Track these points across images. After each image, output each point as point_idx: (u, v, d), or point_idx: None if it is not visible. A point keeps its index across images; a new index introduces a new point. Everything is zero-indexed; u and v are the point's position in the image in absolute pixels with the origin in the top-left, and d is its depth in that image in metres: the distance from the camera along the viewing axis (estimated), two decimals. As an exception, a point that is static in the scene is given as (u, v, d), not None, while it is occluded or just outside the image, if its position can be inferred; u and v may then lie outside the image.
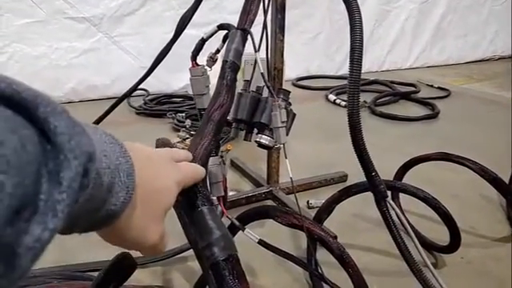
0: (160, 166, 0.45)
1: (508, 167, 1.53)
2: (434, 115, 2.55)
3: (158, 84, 2.73)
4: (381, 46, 3.84)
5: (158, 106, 2.53)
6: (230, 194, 1.54)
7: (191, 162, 0.62)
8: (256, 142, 1.02)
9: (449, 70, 4.15)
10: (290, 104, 1.09)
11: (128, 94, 1.48)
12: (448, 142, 2.17)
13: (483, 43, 4.46)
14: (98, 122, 1.50)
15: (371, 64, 3.79)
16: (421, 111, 2.70)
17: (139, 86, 2.74)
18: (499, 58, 4.63)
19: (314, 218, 1.13)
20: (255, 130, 1.04)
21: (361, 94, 0.88)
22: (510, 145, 2.07)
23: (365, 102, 2.67)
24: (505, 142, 2.17)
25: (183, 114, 2.27)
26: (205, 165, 0.69)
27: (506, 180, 1.45)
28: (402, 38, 3.94)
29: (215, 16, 2.90)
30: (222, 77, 0.75)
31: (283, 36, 1.30)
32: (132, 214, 0.38)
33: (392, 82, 3.30)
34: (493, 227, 1.39)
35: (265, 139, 0.99)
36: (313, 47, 3.52)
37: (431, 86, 3.33)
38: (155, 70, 1.34)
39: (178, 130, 2.12)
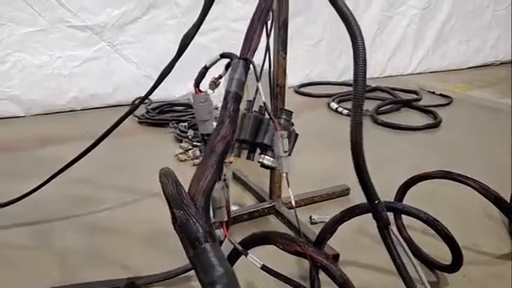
0: None
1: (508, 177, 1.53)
2: (435, 124, 2.55)
3: (160, 92, 2.72)
4: (383, 51, 3.84)
5: (161, 116, 2.53)
6: (233, 208, 1.54)
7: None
8: (259, 162, 1.03)
9: (451, 75, 4.14)
10: (292, 124, 1.10)
11: (133, 110, 1.48)
12: (450, 153, 2.17)
13: (485, 48, 4.46)
14: (107, 134, 1.49)
15: (373, 70, 3.79)
16: (423, 120, 2.70)
17: (142, 95, 2.74)
18: (501, 63, 4.62)
19: (316, 239, 1.13)
20: (258, 150, 1.06)
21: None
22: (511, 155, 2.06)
23: (367, 110, 2.66)
24: (507, 152, 2.17)
25: (186, 124, 2.27)
26: (208, 197, 0.69)
27: (508, 194, 1.45)
28: (404, 44, 3.93)
29: (218, 23, 2.91)
30: (224, 107, 0.76)
31: (285, 53, 1.30)
32: None
33: (394, 89, 3.30)
34: (495, 244, 1.39)
35: (267, 160, 1.00)
36: (315, 54, 3.52)
37: (433, 92, 3.33)
38: (157, 77, 1.34)
39: (181, 141, 2.13)
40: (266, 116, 1.04)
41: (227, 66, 0.85)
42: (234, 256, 0.94)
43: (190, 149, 2.02)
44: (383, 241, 0.84)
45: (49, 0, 2.42)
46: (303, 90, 3.38)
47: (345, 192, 1.66)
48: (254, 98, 1.09)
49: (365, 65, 0.75)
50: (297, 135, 1.11)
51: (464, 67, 4.36)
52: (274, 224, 1.47)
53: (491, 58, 4.53)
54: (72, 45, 2.56)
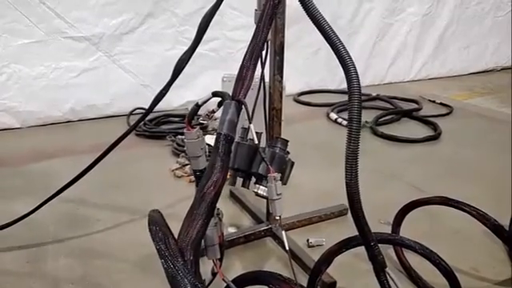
0: None
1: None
2: (435, 136, 2.52)
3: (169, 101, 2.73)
4: (383, 58, 3.81)
5: (158, 127, 2.51)
6: (230, 230, 1.52)
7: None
8: (254, 192, 1.01)
9: (451, 82, 4.11)
10: (288, 153, 1.08)
11: (132, 129, 1.46)
12: (450, 167, 2.14)
13: (486, 54, 4.43)
14: (114, 145, 1.46)
15: (373, 77, 3.77)
16: (423, 131, 2.67)
17: (140, 106, 2.70)
18: (502, 69, 4.59)
19: (312, 271, 1.11)
20: (253, 178, 1.04)
21: (362, 111, 0.85)
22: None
23: (366, 122, 2.64)
24: (507, 167, 2.14)
25: (183, 137, 2.24)
26: (198, 248, 0.67)
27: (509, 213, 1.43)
28: (404, 51, 3.90)
29: (216, 33, 2.88)
30: (215, 150, 0.73)
31: (281, 77, 1.28)
32: None
33: (394, 98, 3.27)
34: (495, 268, 1.37)
35: (262, 190, 0.97)
36: (314, 61, 3.49)
37: (433, 101, 3.30)
38: (155, 87, 1.31)
39: (178, 155, 2.10)
40: (262, 144, 1.02)
41: (220, 104, 0.83)
42: (228, 293, 0.92)
43: (187, 164, 2.00)
44: (379, 283, 0.82)
45: (45, 11, 2.40)
46: (302, 98, 3.36)
47: (343, 212, 1.64)
48: (248, 127, 1.07)
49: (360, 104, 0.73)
50: (293, 164, 1.09)
51: (465, 73, 4.33)
52: (270, 248, 1.45)
53: (492, 64, 4.50)
54: (69, 56, 2.54)
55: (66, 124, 2.63)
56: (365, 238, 0.78)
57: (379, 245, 1.24)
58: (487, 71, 4.49)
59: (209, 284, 0.94)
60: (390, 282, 0.83)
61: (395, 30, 3.80)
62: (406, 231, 1.32)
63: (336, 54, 0.75)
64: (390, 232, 1.35)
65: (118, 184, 1.88)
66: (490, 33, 4.32)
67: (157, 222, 0.68)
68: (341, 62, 0.75)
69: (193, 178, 1.92)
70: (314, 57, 3.49)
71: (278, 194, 0.80)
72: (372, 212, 1.61)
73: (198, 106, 0.84)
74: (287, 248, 0.81)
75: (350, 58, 0.76)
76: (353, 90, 0.74)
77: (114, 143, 1.31)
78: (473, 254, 1.43)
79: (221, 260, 1.03)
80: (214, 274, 0.93)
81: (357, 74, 0.74)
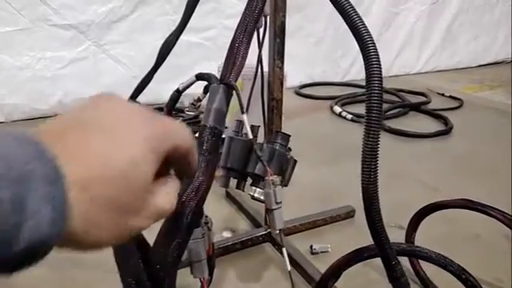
0: (116, 135, 0.28)
1: None
2: (447, 131, 2.37)
3: (148, 94, 2.55)
4: (388, 50, 3.64)
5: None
6: (225, 235, 1.38)
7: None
8: (250, 195, 0.86)
9: (460, 74, 3.95)
10: (289, 150, 0.93)
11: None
12: (463, 164, 1.99)
13: (495, 45, 4.25)
14: None
15: (378, 69, 3.60)
16: (433, 125, 2.52)
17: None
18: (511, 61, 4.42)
19: (317, 285, 0.96)
20: (249, 179, 0.89)
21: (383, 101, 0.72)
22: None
23: (372, 115, 2.48)
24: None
25: (176, 132, 2.10)
26: (173, 273, 0.52)
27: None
28: (411, 42, 3.74)
29: (212, 21, 2.72)
30: (199, 146, 0.58)
31: (282, 62, 1.12)
32: (82, 223, 0.26)
33: (401, 91, 3.11)
34: (521, 278, 1.22)
35: (259, 193, 0.83)
36: (316, 52, 3.32)
37: (442, 94, 3.14)
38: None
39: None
40: (259, 140, 0.87)
41: (205, 89, 0.67)
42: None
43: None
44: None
45: (29, -4, 2.24)
46: (304, 91, 3.20)
47: (350, 214, 1.49)
48: (243, 117, 0.92)
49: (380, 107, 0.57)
50: (295, 161, 0.94)
51: (474, 65, 4.16)
52: (269, 254, 1.30)
53: (502, 56, 4.32)
54: (55, 45, 2.38)
55: (54, 118, 2.48)
56: (385, 256, 0.63)
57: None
58: (497, 63, 4.32)
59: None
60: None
61: (401, 19, 3.63)
62: (420, 236, 1.18)
63: (353, 31, 0.59)
64: (403, 237, 1.20)
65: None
66: (500, 23, 4.15)
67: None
68: (358, 41, 0.59)
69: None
70: (317, 47, 3.32)
71: (277, 203, 0.65)
72: (382, 214, 1.49)
73: (178, 93, 0.69)
74: (288, 269, 0.66)
75: (369, 35, 0.61)
76: (372, 72, 0.58)
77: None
78: (495, 262, 1.28)
79: (211, 276, 0.89)
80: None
81: (377, 54, 0.59)
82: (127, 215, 0.28)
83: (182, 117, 2.31)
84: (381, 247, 0.62)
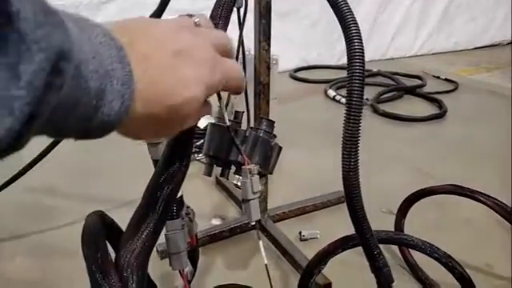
0: (185, 66, 0.34)
1: None
2: (441, 114, 2.34)
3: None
4: (384, 32, 3.58)
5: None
6: (214, 222, 1.36)
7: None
8: (234, 184, 0.84)
9: (456, 56, 3.90)
10: (274, 136, 0.90)
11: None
12: (457, 148, 1.98)
13: (492, 27, 4.19)
14: None
15: (374, 52, 3.54)
16: (427, 108, 2.49)
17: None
18: (510, 43, 4.36)
19: (304, 272, 0.95)
20: (233, 167, 0.87)
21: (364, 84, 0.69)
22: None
23: (367, 99, 2.45)
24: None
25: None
26: (143, 265, 0.50)
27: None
28: (407, 24, 3.67)
29: (201, 4, 2.65)
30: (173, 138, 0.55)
31: (269, 44, 1.09)
32: (135, 123, 0.33)
33: (396, 74, 3.08)
34: (510, 262, 1.21)
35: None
36: (311, 35, 3.27)
37: (438, 77, 3.10)
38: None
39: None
40: (243, 126, 0.85)
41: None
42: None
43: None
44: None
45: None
46: (299, 74, 3.16)
47: (340, 200, 1.47)
48: (227, 104, 0.89)
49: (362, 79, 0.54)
50: (280, 148, 0.91)
51: (470, 47, 4.11)
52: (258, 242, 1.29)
53: (499, 38, 4.27)
54: (42, 28, 2.32)
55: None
56: (367, 246, 0.61)
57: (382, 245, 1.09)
58: (494, 45, 4.26)
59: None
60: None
61: (397, 1, 3.56)
62: (410, 222, 1.16)
63: (335, 10, 0.56)
64: (393, 223, 1.19)
65: (94, 170, 1.71)
66: (497, 4, 4.08)
67: (92, 231, 0.51)
68: (340, 22, 0.56)
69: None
70: (312, 30, 3.26)
71: (254, 193, 0.63)
72: (372, 199, 1.45)
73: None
74: (265, 262, 0.64)
75: (352, 15, 0.57)
76: (354, 54, 0.55)
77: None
78: (486, 248, 1.27)
79: (194, 267, 0.87)
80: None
81: (359, 32, 0.55)
82: (170, 129, 0.37)
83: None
84: (362, 237, 0.60)
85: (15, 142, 0.22)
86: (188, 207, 0.79)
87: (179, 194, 0.71)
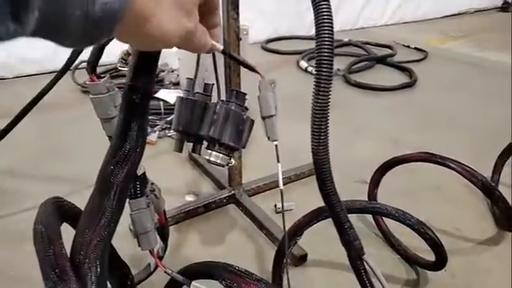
0: None
1: (491, 142, 1.38)
2: (411, 83, 2.37)
3: (108, 52, 2.40)
4: (354, 2, 3.55)
5: (107, 82, 2.22)
6: (188, 199, 1.34)
7: None
8: (206, 159, 0.81)
9: (425, 25, 3.93)
10: (246, 109, 0.87)
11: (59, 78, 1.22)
12: (428, 116, 2.01)
13: (460, -4, 4.24)
14: (33, 104, 1.25)
15: (344, 22, 3.52)
16: (398, 78, 2.51)
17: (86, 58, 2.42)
18: (475, 11, 4.43)
19: (278, 249, 0.95)
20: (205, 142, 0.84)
21: (334, 58, 0.67)
22: (491, 116, 1.93)
23: (338, 69, 2.44)
24: (483, 111, 2.03)
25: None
26: (102, 256, 0.46)
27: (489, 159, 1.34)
28: (377, -7, 3.66)
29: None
30: (125, 108, 0.50)
31: (238, 13, 1.04)
32: (140, 7, 0.33)
33: (367, 44, 3.07)
34: (478, 226, 1.26)
35: (215, 157, 0.78)
36: (283, 6, 3.20)
37: (408, 46, 3.12)
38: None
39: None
40: (214, 99, 0.81)
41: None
42: (174, 286, 0.74)
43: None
44: (355, 273, 0.66)
45: None
46: (270, 46, 3.10)
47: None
48: (195, 77, 0.85)
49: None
50: (252, 121, 0.89)
51: (439, 16, 4.15)
52: (233, 216, 1.28)
53: (465, 7, 4.32)
54: None
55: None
56: (337, 219, 0.60)
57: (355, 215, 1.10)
58: (460, 14, 4.32)
59: (144, 279, 0.76)
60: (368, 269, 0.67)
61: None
62: (383, 190, 1.18)
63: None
64: (366, 192, 1.20)
65: (57, 150, 1.64)
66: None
67: (45, 220, 0.47)
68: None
69: (153, 140, 1.70)
70: (283, 1, 3.19)
71: (276, 108, 0.61)
72: (345, 169, 1.48)
73: (100, 46, 0.60)
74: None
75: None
76: (322, 25, 0.52)
77: (32, 101, 1.06)
78: (454, 212, 1.31)
79: (165, 244, 0.85)
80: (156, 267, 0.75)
81: (327, 1, 0.52)
82: (183, 16, 0.37)
83: (116, 71, 2.19)
84: (332, 211, 0.59)
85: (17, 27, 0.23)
86: (152, 184, 0.76)
87: (142, 171, 0.67)
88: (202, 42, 0.42)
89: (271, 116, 0.60)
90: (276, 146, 0.58)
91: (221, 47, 0.48)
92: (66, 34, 0.28)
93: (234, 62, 1.09)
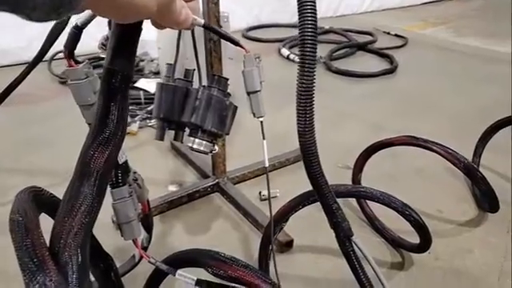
0: None
1: (471, 126, 1.41)
2: (392, 70, 2.38)
3: (88, 41, 2.33)
4: (335, -12, 3.55)
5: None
6: (171, 189, 1.32)
7: None
8: (188, 146, 0.79)
9: (405, 12, 3.96)
10: (229, 95, 0.86)
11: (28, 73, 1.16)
12: (409, 102, 2.03)
13: (439, -18, 4.28)
14: (5, 94, 1.20)
15: (325, 10, 3.52)
16: (379, 64, 2.53)
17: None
18: (454, -2, 4.49)
19: (265, 231, 0.94)
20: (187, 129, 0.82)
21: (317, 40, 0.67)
22: (471, 100, 1.96)
23: (320, 57, 2.44)
24: (463, 95, 2.07)
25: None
26: (83, 246, 0.44)
27: (470, 141, 1.36)
28: (358, -20, 3.66)
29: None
30: (103, 94, 0.48)
31: (218, -2, 1.01)
32: None
33: (348, 31, 3.07)
34: (459, 208, 1.28)
35: (198, 144, 0.76)
36: (262, -7, 3.17)
37: (388, 33, 3.14)
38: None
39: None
40: (195, 85, 0.79)
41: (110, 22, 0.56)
42: (159, 276, 0.73)
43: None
44: (344, 255, 0.66)
45: None
46: (251, 34, 3.07)
47: (299, 158, 1.47)
48: (175, 62, 0.83)
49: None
50: (235, 108, 0.87)
51: (418, 3, 4.18)
52: (218, 205, 1.27)
53: (444, -7, 4.37)
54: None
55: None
56: (325, 201, 0.60)
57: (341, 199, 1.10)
58: (440, 0, 4.36)
59: (129, 270, 0.75)
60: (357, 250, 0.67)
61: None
62: (366, 174, 1.18)
63: None
64: (350, 177, 1.21)
65: (38, 142, 1.59)
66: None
67: (22, 209, 0.45)
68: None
69: (134, 130, 1.67)
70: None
71: (261, 83, 0.59)
72: (328, 155, 1.46)
73: (78, 30, 0.57)
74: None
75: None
76: (305, 12, 0.51)
77: (3, 92, 1.02)
78: (436, 195, 1.33)
79: (149, 234, 0.84)
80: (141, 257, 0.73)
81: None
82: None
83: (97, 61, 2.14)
84: (320, 193, 0.59)
85: None
86: (135, 173, 0.74)
87: (124, 159, 0.65)
88: (182, 16, 0.40)
89: (256, 91, 0.58)
90: (261, 122, 0.56)
91: (202, 21, 0.46)
92: (33, 5, 0.26)
93: (215, 48, 1.07)
